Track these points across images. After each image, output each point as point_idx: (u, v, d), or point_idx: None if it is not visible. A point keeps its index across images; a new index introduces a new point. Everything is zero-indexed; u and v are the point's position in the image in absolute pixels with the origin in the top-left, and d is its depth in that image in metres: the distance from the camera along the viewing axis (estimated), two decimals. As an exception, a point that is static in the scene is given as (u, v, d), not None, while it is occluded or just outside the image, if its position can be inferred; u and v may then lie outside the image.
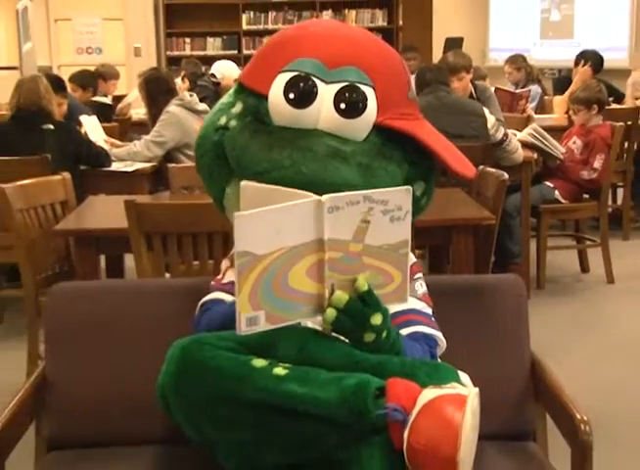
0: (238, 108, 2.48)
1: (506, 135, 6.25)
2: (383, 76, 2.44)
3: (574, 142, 6.92)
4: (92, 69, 9.65)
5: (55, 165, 5.61)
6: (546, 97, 9.43)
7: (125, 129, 8.20)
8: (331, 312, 2.21)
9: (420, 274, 2.65)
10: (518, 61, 10.09)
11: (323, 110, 2.38)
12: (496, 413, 2.65)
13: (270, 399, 2.19)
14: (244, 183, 2.33)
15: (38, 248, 4.88)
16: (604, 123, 7.01)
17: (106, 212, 4.75)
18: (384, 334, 2.29)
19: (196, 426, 2.33)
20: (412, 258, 2.48)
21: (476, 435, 2.16)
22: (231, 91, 2.59)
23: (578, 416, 2.55)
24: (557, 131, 7.12)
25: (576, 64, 8.73)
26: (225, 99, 2.57)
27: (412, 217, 2.32)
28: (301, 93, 2.38)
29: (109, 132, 7.31)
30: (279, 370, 2.20)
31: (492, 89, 8.39)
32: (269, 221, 2.16)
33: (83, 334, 2.92)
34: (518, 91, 9.44)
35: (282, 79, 2.39)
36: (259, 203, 2.19)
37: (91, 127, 6.95)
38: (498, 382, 2.78)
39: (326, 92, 2.38)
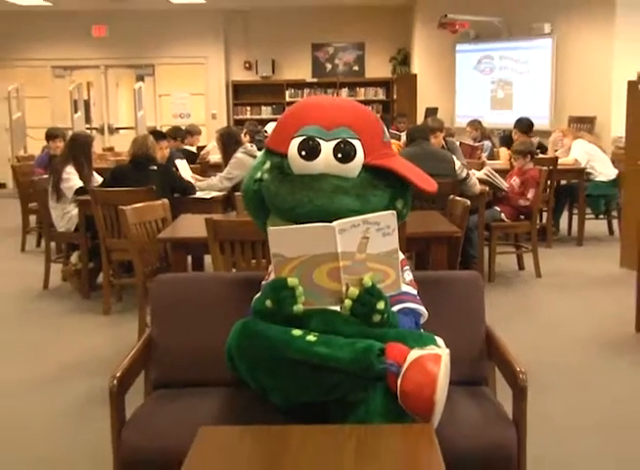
0: (267, 165, 2.56)
1: (468, 174, 6.24)
2: (365, 131, 2.51)
3: (514, 180, 6.92)
4: (183, 127, 9.66)
5: (158, 194, 5.60)
6: (495, 149, 9.41)
7: (205, 169, 8.19)
8: (348, 303, 2.31)
9: (407, 267, 2.68)
10: (475, 124, 10.06)
11: (326, 159, 2.46)
12: (461, 366, 2.65)
13: (304, 357, 2.26)
14: (270, 229, 2.36)
15: (146, 250, 4.89)
16: (534, 168, 6.99)
17: (192, 226, 4.75)
18: (386, 315, 2.34)
19: (253, 376, 2.37)
20: (401, 256, 2.50)
21: (447, 381, 2.21)
22: (261, 152, 2.69)
23: (517, 368, 2.56)
24: (502, 172, 7.10)
25: (514, 127, 8.72)
26: (258, 159, 2.66)
27: (397, 223, 2.42)
28: (310, 151, 2.46)
29: (194, 171, 7.32)
30: (311, 337, 2.28)
31: (458, 143, 8.39)
32: (293, 236, 2.31)
33: (177, 309, 2.94)
34: (475, 144, 9.41)
35: (295, 142, 2.47)
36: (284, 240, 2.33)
37: (182, 167, 6.96)
38: (463, 344, 2.77)
39: (327, 147, 2.46)
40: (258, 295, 2.51)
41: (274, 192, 2.51)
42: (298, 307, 2.33)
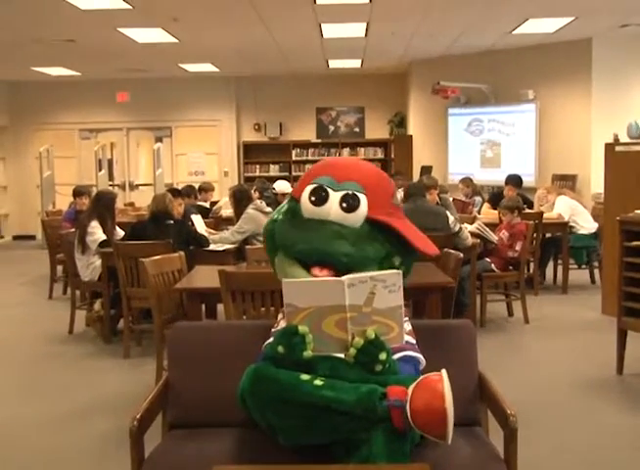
0: (284, 208, 2.66)
1: (461, 228, 6.25)
2: (372, 187, 2.56)
3: (503, 233, 6.92)
4: (196, 184, 9.71)
5: (174, 247, 5.63)
6: (485, 204, 9.43)
7: (218, 223, 8.23)
8: (353, 351, 2.31)
9: (406, 318, 2.63)
10: (467, 181, 10.13)
11: (332, 207, 2.51)
12: (455, 408, 2.61)
13: (311, 399, 2.23)
14: (284, 281, 2.37)
15: (164, 299, 4.89)
16: (521, 222, 7.01)
17: (206, 277, 4.75)
18: (387, 364, 2.33)
19: (263, 416, 2.34)
20: None
21: (451, 396, 2.17)
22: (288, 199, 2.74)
23: (508, 411, 2.54)
24: (492, 226, 7.11)
25: (506, 183, 8.75)
26: (283, 204, 2.73)
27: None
28: (318, 197, 2.53)
29: (207, 225, 7.35)
30: (318, 382, 2.26)
31: (451, 199, 8.42)
32: (306, 287, 2.33)
33: (192, 354, 2.92)
34: (467, 200, 9.46)
35: (308, 189, 2.56)
36: (296, 291, 2.34)
37: (197, 222, 6.99)
38: (457, 388, 2.73)
39: (335, 197, 2.52)
40: (270, 340, 2.51)
41: (283, 231, 2.59)
42: (308, 353, 2.31)
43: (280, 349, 2.34)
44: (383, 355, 2.32)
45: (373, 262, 2.51)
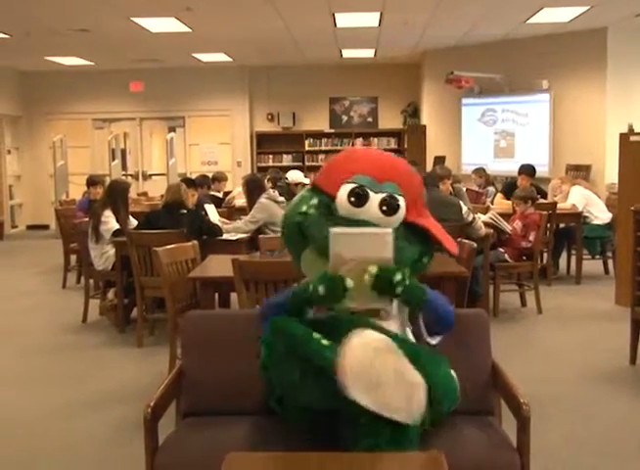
0: (314, 201, 2.57)
1: (474, 218, 6.23)
2: (410, 191, 2.58)
3: (517, 224, 6.90)
4: (210, 175, 9.71)
5: (188, 236, 5.64)
6: (498, 195, 9.40)
7: (231, 213, 8.23)
8: (368, 279, 2.39)
9: None
10: (480, 171, 10.10)
11: (371, 209, 2.51)
12: (469, 397, 2.63)
13: (314, 357, 2.25)
14: (332, 230, 2.42)
15: (177, 288, 4.90)
16: (535, 212, 6.98)
17: (219, 266, 4.76)
18: (405, 282, 2.41)
19: (280, 375, 2.36)
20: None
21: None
22: (309, 188, 2.69)
23: (521, 399, 2.54)
24: (505, 216, 7.09)
25: (519, 173, 8.72)
26: (304, 193, 2.65)
27: (418, 272, 2.58)
28: (359, 198, 2.51)
29: (221, 215, 7.35)
30: (325, 342, 2.28)
31: (464, 189, 8.40)
32: (354, 239, 2.43)
33: (205, 343, 2.94)
34: (480, 190, 9.43)
35: (347, 188, 2.52)
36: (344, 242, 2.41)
37: (210, 211, 6.99)
38: (471, 377, 2.75)
39: (375, 198, 2.52)
40: (306, 280, 2.54)
41: (318, 227, 2.51)
42: (345, 305, 2.40)
43: (321, 289, 2.38)
44: (398, 276, 2.39)
45: (407, 263, 2.52)
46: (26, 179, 15.45)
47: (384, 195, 2.53)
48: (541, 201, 8.17)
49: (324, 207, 2.56)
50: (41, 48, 12.14)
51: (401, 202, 2.54)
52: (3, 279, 9.42)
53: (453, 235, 5.39)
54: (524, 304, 7.04)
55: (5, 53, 12.47)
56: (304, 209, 2.58)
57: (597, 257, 8.58)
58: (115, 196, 6.64)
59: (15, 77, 14.89)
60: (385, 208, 2.52)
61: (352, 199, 2.51)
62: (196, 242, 5.23)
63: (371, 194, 2.52)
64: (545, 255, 8.18)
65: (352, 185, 2.53)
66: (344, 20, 9.85)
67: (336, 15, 9.54)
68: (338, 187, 2.55)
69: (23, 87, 15.13)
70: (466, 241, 5.04)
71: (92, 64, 13.88)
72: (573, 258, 8.43)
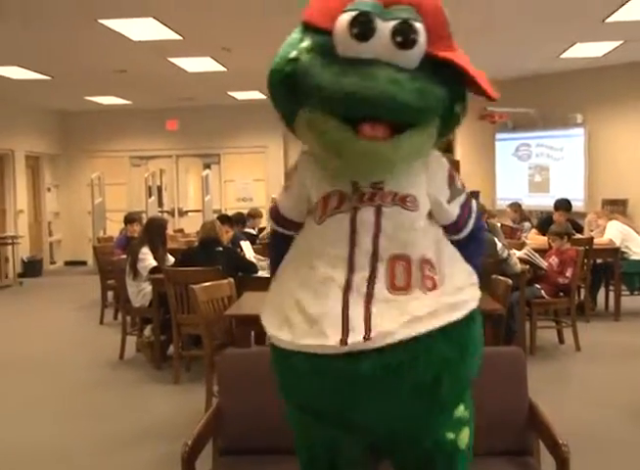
0: (306, 43, 1.97)
1: (509, 254, 6.20)
2: (431, 14, 1.96)
3: (553, 259, 6.86)
4: (245, 211, 9.78)
5: (224, 273, 5.67)
6: (533, 230, 9.36)
7: (265, 249, 8.26)
8: None
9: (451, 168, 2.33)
10: (515, 206, 10.07)
11: (382, 42, 1.90)
12: (506, 437, 2.62)
13: None
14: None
15: (213, 325, 4.94)
16: (571, 248, 6.94)
17: (255, 304, 4.76)
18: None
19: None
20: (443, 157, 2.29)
21: None
22: (296, 29, 2.06)
23: (559, 439, 2.52)
24: (541, 252, 7.05)
25: (556, 208, 8.67)
26: (292, 36, 2.04)
27: (452, 128, 2.13)
28: (363, 28, 1.89)
29: (256, 251, 7.39)
30: None
31: (499, 225, 8.37)
32: None
33: (242, 381, 2.96)
34: (515, 226, 9.40)
35: (345, 17, 1.91)
36: None
37: (246, 248, 7.05)
38: (508, 416, 2.75)
39: (384, 28, 1.90)
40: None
41: (315, 76, 1.91)
42: None
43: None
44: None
45: (436, 113, 1.99)
46: (65, 216, 15.70)
47: (396, 21, 1.91)
48: (577, 236, 8.12)
49: (319, 48, 1.95)
50: (81, 88, 12.42)
51: (420, 29, 1.92)
52: (42, 315, 9.56)
53: (489, 272, 5.38)
54: (561, 341, 6.97)
55: (46, 93, 12.76)
56: (294, 55, 1.97)
57: (636, 292, 8.48)
58: (153, 233, 6.73)
59: (54, 117, 15.21)
60: (399, 38, 1.90)
61: (355, 31, 1.89)
62: (232, 279, 5.27)
63: (378, 22, 1.90)
64: (582, 291, 8.10)
65: (353, 13, 1.91)
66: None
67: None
68: (334, 18, 1.93)
69: (63, 126, 15.45)
70: (501, 278, 5.02)
71: (129, 103, 14.15)
72: (611, 294, 8.34)
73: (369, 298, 1.98)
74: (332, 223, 2.07)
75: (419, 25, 1.91)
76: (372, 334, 1.92)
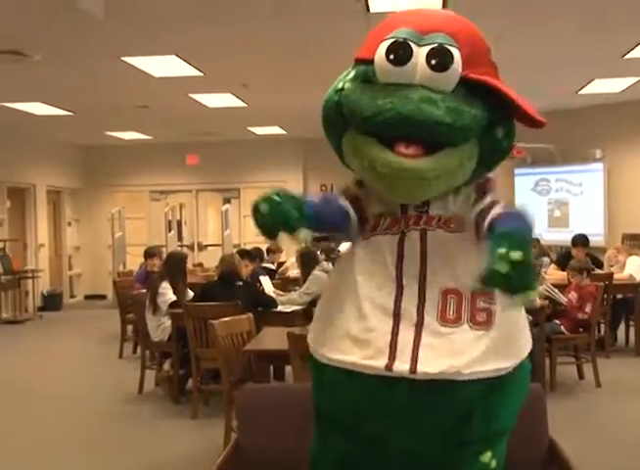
0: (351, 74, 2.11)
1: (528, 290, 6.18)
2: (465, 40, 2.03)
3: (572, 295, 6.84)
4: (264, 246, 9.82)
5: (243, 308, 5.70)
6: (552, 265, 9.32)
7: (285, 284, 8.30)
8: None
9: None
10: (534, 241, 10.02)
11: (418, 67, 1.98)
12: (525, 475, 2.61)
13: None
14: None
15: (232, 360, 4.95)
16: (591, 284, 6.92)
17: (274, 339, 4.80)
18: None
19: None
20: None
21: None
22: (349, 68, 2.19)
23: (580, 479, 2.51)
24: (560, 287, 7.02)
25: (574, 244, 8.66)
26: (343, 72, 2.19)
27: (497, 158, 2.14)
28: (399, 54, 1.98)
29: (275, 286, 7.42)
30: None
31: (518, 259, 8.33)
32: None
33: (261, 416, 2.96)
34: (534, 261, 9.35)
35: (384, 45, 2.01)
36: None
37: (265, 283, 7.08)
38: (527, 453, 2.73)
39: (420, 53, 1.98)
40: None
41: (354, 100, 2.03)
42: None
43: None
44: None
45: (472, 133, 2.01)
46: (85, 250, 15.83)
47: (431, 46, 1.99)
48: (597, 271, 8.09)
49: (361, 76, 2.07)
50: (102, 124, 12.61)
51: (455, 53, 1.98)
52: (62, 348, 9.61)
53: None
54: (581, 376, 6.92)
55: (68, 129, 12.96)
56: (341, 85, 2.12)
57: (657, 328, 8.42)
58: (173, 267, 6.78)
59: (76, 152, 15.41)
60: (434, 61, 1.97)
61: (392, 56, 1.98)
62: (251, 314, 5.29)
63: (414, 47, 1.98)
64: (602, 326, 8.05)
65: (390, 41, 2.00)
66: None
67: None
68: (375, 49, 2.03)
69: (84, 161, 15.64)
70: (520, 313, 5.01)
71: (150, 138, 14.33)
72: (632, 330, 8.28)
73: (419, 327, 1.98)
74: (380, 241, 2.12)
75: (454, 50, 1.98)
76: (418, 368, 1.93)
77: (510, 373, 2.04)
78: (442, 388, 1.95)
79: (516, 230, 1.90)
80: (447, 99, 1.96)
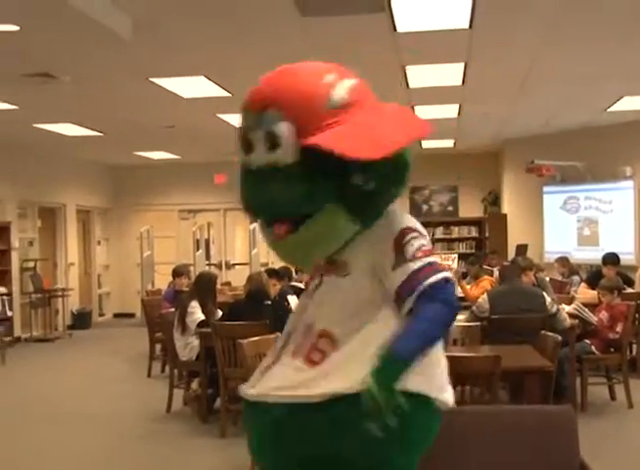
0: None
1: (558, 309, 6.12)
2: (296, 106, 2.07)
3: (603, 314, 6.76)
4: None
5: (271, 327, 5.69)
6: (582, 284, 9.24)
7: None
8: None
9: (412, 235, 2.21)
10: (563, 261, 9.98)
11: (259, 151, 2.11)
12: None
13: None
14: None
15: (260, 379, 4.94)
16: (622, 303, 6.85)
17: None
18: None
19: None
20: (404, 223, 2.24)
21: None
22: None
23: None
24: (591, 306, 6.96)
25: (604, 263, 8.58)
26: None
27: (371, 202, 2.16)
28: (244, 143, 2.15)
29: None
30: None
31: (547, 279, 8.30)
32: None
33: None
34: (564, 280, 9.30)
35: (238, 133, 2.18)
36: None
37: (293, 302, 7.07)
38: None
39: (258, 137, 2.10)
40: None
41: (240, 191, 2.23)
42: None
43: None
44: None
45: (331, 196, 2.08)
46: (114, 269, 15.97)
47: (264, 131, 2.08)
48: (628, 290, 8.00)
49: (241, 165, 2.21)
50: (131, 144, 12.76)
51: (284, 129, 2.05)
52: (90, 366, 9.68)
53: (537, 327, 5.30)
54: (613, 397, 6.83)
55: (98, 149, 13.12)
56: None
57: (690, 348, 8.31)
58: (203, 287, 6.80)
59: (105, 171, 15.59)
60: (268, 144, 2.08)
61: (242, 146, 2.14)
62: (279, 334, 5.27)
63: (253, 135, 2.11)
64: (634, 346, 7.95)
65: (240, 129, 2.15)
66: (424, 112, 10.05)
67: (415, 107, 9.74)
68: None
69: (113, 180, 15.81)
70: (550, 333, 4.98)
71: (178, 157, 14.45)
72: (665, 350, 8.17)
73: (277, 359, 2.34)
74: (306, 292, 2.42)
75: (283, 126, 2.05)
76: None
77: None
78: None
79: (400, 352, 2.01)
80: (293, 172, 2.06)
